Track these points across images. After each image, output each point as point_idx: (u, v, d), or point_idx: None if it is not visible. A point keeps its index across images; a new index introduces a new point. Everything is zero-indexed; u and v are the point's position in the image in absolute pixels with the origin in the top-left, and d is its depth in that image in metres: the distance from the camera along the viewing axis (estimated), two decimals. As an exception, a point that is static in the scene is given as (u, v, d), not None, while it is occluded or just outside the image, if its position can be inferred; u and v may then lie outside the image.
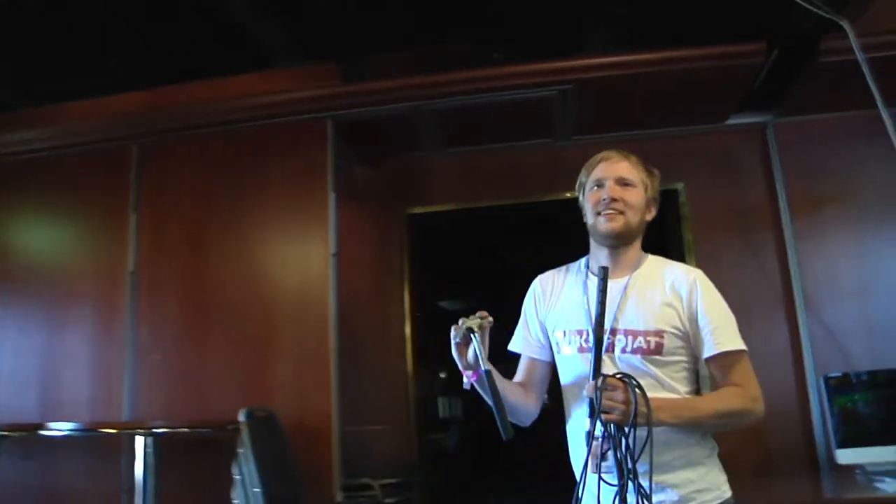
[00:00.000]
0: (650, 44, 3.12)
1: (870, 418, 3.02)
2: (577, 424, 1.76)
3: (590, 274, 1.87)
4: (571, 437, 1.84)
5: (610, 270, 1.74)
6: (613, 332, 1.75)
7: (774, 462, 3.46)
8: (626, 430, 1.50)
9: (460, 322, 1.68)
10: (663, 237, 3.91)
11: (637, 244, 1.88)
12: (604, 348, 1.65)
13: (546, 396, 1.95)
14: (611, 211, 1.80)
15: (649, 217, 1.90)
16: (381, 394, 3.89)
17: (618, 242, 1.83)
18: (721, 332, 1.74)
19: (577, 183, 1.94)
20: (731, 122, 3.76)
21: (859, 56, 2.84)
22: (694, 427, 1.70)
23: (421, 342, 4.11)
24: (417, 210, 4.05)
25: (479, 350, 1.63)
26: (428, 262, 4.44)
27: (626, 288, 1.80)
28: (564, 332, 1.85)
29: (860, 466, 3.05)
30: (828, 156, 3.72)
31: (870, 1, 2.93)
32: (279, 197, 3.44)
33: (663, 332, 1.73)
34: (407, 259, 4.03)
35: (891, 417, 2.99)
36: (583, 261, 1.94)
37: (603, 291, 1.64)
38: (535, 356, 1.95)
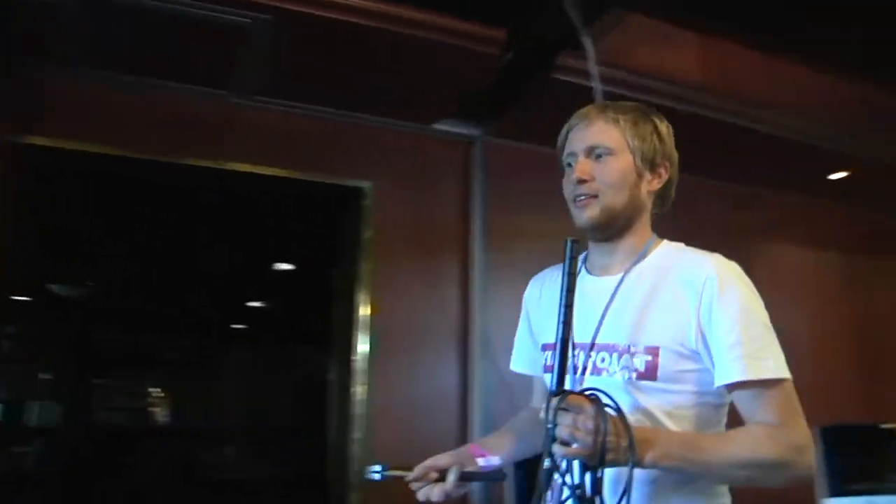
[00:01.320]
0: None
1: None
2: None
3: (585, 271, 1.47)
4: None
5: (606, 266, 1.42)
6: (592, 347, 1.34)
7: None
8: (596, 470, 1.10)
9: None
10: (336, 240, 3.28)
11: (639, 228, 1.43)
12: (580, 368, 1.33)
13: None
14: (581, 196, 1.38)
15: (654, 185, 1.42)
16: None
17: (605, 234, 1.41)
18: (747, 350, 1.23)
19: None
20: (438, 126, 3.27)
21: (595, 84, 2.53)
22: (698, 477, 1.25)
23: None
24: (38, 141, 2.74)
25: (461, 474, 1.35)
26: (33, 221, 3.29)
27: (617, 287, 1.38)
28: (549, 347, 1.45)
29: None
30: (531, 190, 3.41)
31: (613, 26, 2.66)
32: None
33: (657, 348, 1.27)
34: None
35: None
36: (582, 255, 1.52)
37: (570, 275, 1.20)
38: (540, 374, 1.59)
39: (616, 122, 1.39)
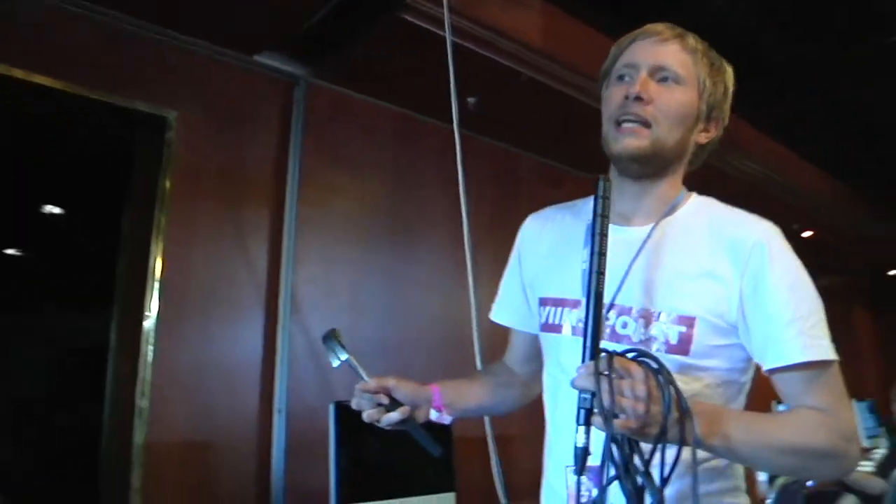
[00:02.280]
0: None
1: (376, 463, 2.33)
2: (563, 440, 1.16)
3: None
4: (553, 461, 1.23)
5: (629, 214, 1.22)
6: (610, 308, 1.14)
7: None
8: (652, 446, 0.92)
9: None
10: (128, 178, 2.79)
11: (674, 177, 1.25)
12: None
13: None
14: (632, 120, 1.15)
15: (702, 138, 1.25)
16: None
17: (643, 170, 1.20)
18: (804, 327, 1.07)
19: (602, 69, 1.28)
20: (260, 58, 2.87)
21: (448, 33, 2.30)
22: (741, 460, 1.10)
23: None
24: None
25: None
26: None
27: (645, 241, 1.18)
28: (550, 302, 1.27)
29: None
30: (353, 145, 3.16)
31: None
32: None
33: (693, 318, 1.10)
34: None
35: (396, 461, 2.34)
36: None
37: (604, 217, 0.98)
38: (527, 330, 1.39)
39: (694, 52, 1.21)
